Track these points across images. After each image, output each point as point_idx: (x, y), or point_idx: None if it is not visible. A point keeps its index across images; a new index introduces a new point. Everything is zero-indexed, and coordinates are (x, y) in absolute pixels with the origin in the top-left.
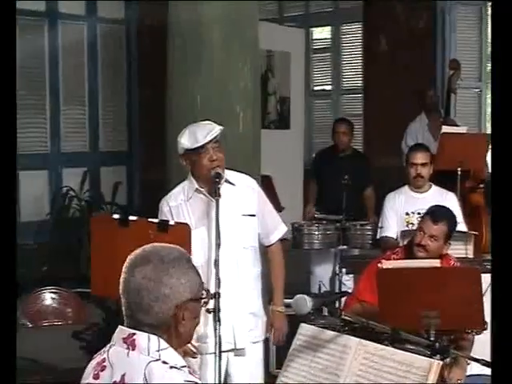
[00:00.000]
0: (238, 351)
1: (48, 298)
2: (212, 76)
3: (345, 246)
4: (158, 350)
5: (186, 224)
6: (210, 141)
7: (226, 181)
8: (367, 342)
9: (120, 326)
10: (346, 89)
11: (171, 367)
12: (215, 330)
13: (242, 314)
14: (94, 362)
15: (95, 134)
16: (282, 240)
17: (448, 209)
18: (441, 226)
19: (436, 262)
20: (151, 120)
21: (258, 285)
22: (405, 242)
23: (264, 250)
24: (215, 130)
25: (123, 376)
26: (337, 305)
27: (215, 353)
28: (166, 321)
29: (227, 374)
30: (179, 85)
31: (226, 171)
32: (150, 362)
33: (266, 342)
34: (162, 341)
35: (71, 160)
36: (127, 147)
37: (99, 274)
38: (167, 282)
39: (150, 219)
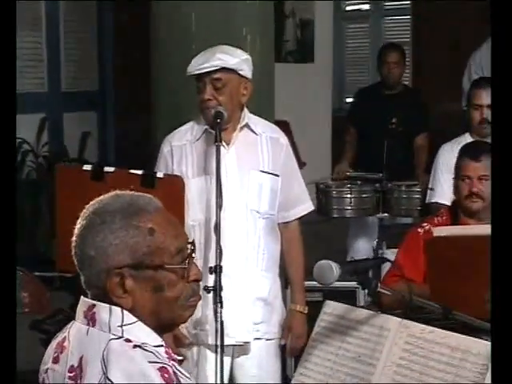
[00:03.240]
0: (239, 348)
1: None
2: None
3: (386, 214)
4: (121, 326)
5: (178, 176)
6: (205, 73)
7: (248, 127)
8: (411, 322)
9: (82, 297)
10: (388, 8)
11: (135, 346)
12: (215, 313)
13: (247, 299)
14: (54, 343)
15: (55, 68)
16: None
17: (485, 142)
18: (485, 163)
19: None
20: (129, 50)
21: (276, 267)
22: None
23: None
24: (215, 60)
25: (81, 359)
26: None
27: (216, 343)
28: (105, 291)
29: (232, 377)
30: (167, 4)
31: (250, 116)
32: (110, 341)
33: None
34: (127, 314)
35: (24, 104)
36: (98, 86)
37: (66, 242)
38: (92, 242)
39: (131, 170)
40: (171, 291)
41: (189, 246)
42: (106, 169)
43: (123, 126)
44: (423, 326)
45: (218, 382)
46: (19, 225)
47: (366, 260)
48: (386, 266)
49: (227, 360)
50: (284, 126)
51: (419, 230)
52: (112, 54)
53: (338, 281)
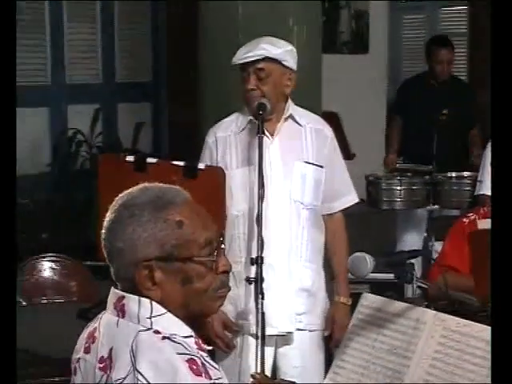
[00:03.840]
0: (282, 338)
1: (47, 268)
2: None
3: (436, 206)
4: (150, 317)
5: (219, 168)
6: (249, 63)
7: (292, 118)
8: (446, 315)
9: (112, 289)
10: None
11: (164, 338)
12: (257, 304)
13: (290, 290)
14: (86, 332)
15: (110, 60)
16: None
17: None
18: None
19: None
20: (183, 43)
21: (320, 258)
22: None
23: None
24: (259, 50)
25: (111, 350)
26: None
27: (256, 333)
28: (134, 283)
29: (275, 367)
30: None
31: (295, 108)
32: (138, 332)
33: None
34: (155, 305)
35: (79, 94)
36: (152, 77)
37: None
38: (121, 235)
39: (173, 162)
40: (200, 283)
41: (218, 237)
42: (149, 160)
43: (176, 116)
44: (458, 319)
45: (259, 371)
46: (73, 215)
47: (401, 252)
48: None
49: (270, 350)
50: (333, 118)
51: (464, 219)
52: (165, 46)
53: (386, 273)
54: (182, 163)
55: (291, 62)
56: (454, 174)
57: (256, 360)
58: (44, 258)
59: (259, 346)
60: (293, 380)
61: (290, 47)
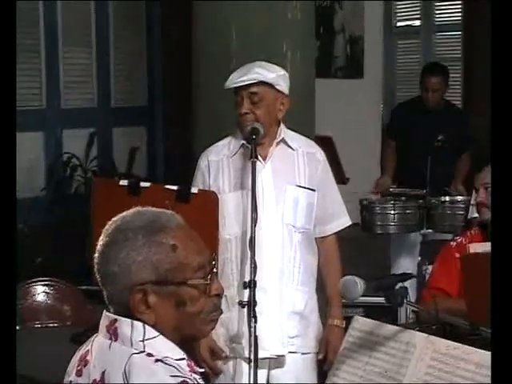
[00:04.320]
0: (275, 361)
1: (40, 292)
2: (251, 3)
3: (429, 230)
4: (143, 340)
5: (212, 192)
6: (242, 87)
7: (284, 142)
8: (436, 338)
9: (105, 312)
10: (439, 24)
11: (157, 360)
12: (250, 327)
13: (282, 313)
14: (78, 355)
15: (105, 84)
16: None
17: None
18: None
19: None
20: (177, 67)
21: (312, 281)
22: None
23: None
24: (252, 74)
25: (103, 374)
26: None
27: (249, 357)
28: (127, 307)
29: None
30: (209, 18)
31: (287, 131)
32: (131, 355)
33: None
34: (148, 328)
35: (74, 118)
36: (147, 102)
37: None
38: (115, 258)
39: (166, 186)
40: (193, 306)
41: (211, 261)
42: (142, 184)
43: (172, 140)
44: (448, 341)
45: None
46: (69, 239)
47: (392, 276)
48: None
49: (263, 373)
50: (326, 142)
51: (452, 242)
52: (161, 70)
53: (379, 296)
54: (175, 187)
55: (284, 86)
56: (447, 198)
57: (248, 383)
58: (38, 282)
59: (252, 370)
60: None
61: (282, 72)
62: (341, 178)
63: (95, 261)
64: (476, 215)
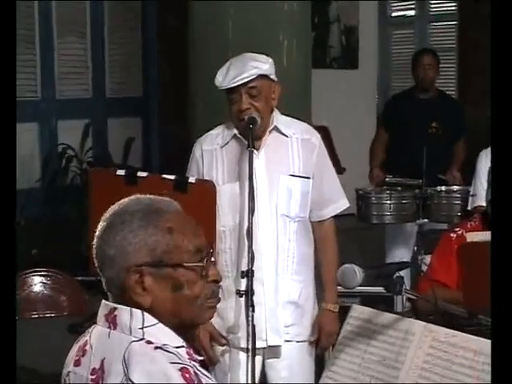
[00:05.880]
0: (270, 350)
1: (37, 282)
2: None
3: (425, 220)
4: (142, 328)
5: (210, 181)
6: (242, 85)
7: (277, 130)
8: (435, 326)
9: (103, 301)
10: (434, 14)
11: (156, 348)
12: (247, 317)
13: (277, 303)
14: (76, 346)
15: (100, 75)
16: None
17: None
18: None
19: None
20: (173, 57)
21: (308, 269)
22: None
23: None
24: (251, 69)
25: (103, 361)
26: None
27: (247, 347)
28: (124, 291)
29: (264, 379)
30: (206, 8)
31: (280, 118)
32: (131, 343)
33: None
34: (147, 316)
35: (69, 109)
36: (142, 92)
37: None
38: (112, 241)
39: (164, 175)
40: (190, 290)
41: (208, 247)
42: (140, 174)
43: (167, 130)
44: (447, 329)
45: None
46: (64, 230)
47: (390, 265)
48: None
49: (259, 362)
50: (323, 132)
51: (452, 234)
52: (156, 60)
53: (376, 286)
54: (172, 177)
55: (274, 74)
56: (443, 188)
57: (246, 373)
58: (35, 272)
59: (249, 359)
60: None
61: (270, 59)
62: (337, 168)
63: (94, 246)
64: (478, 204)
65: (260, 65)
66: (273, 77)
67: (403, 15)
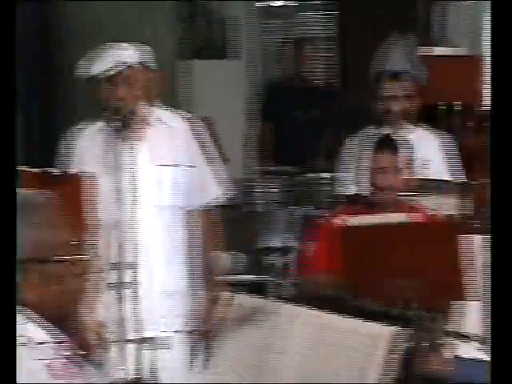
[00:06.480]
0: (158, 341)
1: None
2: None
3: (296, 206)
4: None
5: (76, 174)
6: (114, 74)
7: (158, 120)
8: (310, 310)
9: None
10: (299, 5)
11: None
12: (121, 310)
13: (154, 294)
14: None
15: None
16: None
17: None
18: (399, 155)
19: (402, 216)
20: (39, 51)
21: (188, 258)
22: None
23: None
24: (124, 58)
25: None
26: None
27: (128, 339)
28: None
29: (151, 370)
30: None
31: (158, 109)
32: None
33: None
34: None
35: None
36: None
37: None
38: None
39: (27, 168)
40: (59, 284)
41: (78, 241)
42: None
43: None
44: (320, 312)
45: (137, 376)
46: None
47: (273, 250)
48: None
49: (147, 354)
50: (206, 122)
51: (332, 219)
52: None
53: (249, 274)
54: (37, 170)
55: (151, 63)
56: (313, 175)
57: (127, 365)
58: None
59: (136, 351)
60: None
61: (143, 47)
62: (221, 158)
63: None
64: (343, 191)
65: (133, 53)
66: (149, 65)
67: (269, 5)
